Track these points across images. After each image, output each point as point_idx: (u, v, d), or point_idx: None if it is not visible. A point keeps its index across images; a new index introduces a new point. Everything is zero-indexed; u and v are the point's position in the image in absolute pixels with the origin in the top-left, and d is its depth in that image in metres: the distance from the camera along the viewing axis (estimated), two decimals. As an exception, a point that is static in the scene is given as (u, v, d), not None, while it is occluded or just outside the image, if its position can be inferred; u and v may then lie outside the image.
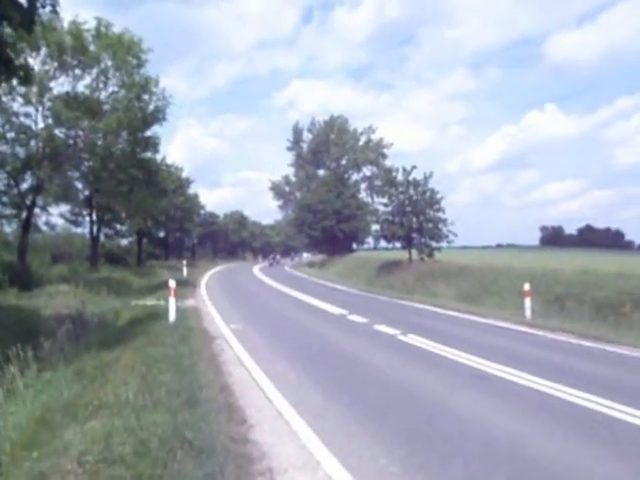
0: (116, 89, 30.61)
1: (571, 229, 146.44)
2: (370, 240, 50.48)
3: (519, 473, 5.06)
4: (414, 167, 30.96)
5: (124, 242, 53.85)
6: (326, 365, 9.84)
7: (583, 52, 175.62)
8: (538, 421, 6.59)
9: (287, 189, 74.42)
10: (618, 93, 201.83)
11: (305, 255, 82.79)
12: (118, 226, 46.84)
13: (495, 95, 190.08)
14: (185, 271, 40.40)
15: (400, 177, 31.32)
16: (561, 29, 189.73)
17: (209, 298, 22.62)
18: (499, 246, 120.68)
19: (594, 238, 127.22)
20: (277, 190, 75.10)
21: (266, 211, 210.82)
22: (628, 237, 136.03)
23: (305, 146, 70.02)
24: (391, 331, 13.52)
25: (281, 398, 7.49)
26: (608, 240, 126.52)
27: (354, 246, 58.73)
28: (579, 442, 5.87)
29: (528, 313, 16.21)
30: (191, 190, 63.21)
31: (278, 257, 73.91)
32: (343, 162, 66.83)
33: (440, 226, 29.83)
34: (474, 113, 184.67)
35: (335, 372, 9.26)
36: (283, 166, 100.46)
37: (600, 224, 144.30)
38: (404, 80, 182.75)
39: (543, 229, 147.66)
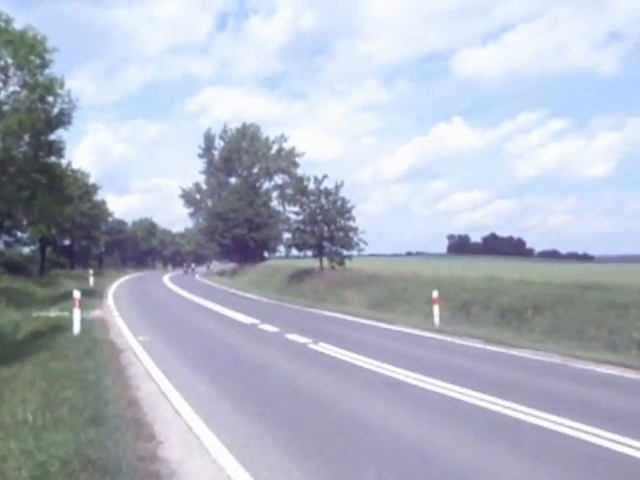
0: (17, 89, 28.93)
1: (476, 237, 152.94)
2: (282, 248, 50.45)
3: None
4: (325, 176, 31.32)
5: (26, 250, 51.08)
6: (237, 376, 9.67)
7: (488, 68, 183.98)
8: (448, 426, 6.71)
9: (198, 197, 73.14)
10: (520, 109, 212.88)
11: (215, 263, 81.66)
12: (19, 233, 44.33)
13: (406, 107, 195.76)
14: (92, 280, 38.83)
15: (312, 186, 31.54)
16: (467, 46, 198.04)
17: (117, 309, 21.82)
18: (409, 254, 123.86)
19: (498, 246, 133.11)
20: (188, 198, 73.66)
21: (176, 219, 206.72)
22: (529, 245, 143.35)
23: (217, 153, 69.12)
24: (302, 340, 13.47)
25: (191, 411, 7.27)
26: (511, 248, 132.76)
27: (266, 254, 58.53)
28: (487, 445, 6.01)
29: (437, 320, 16.57)
30: (98, 196, 60.79)
31: (193, 265, 72.56)
32: (255, 170, 66.44)
33: (351, 235, 30.30)
34: (385, 124, 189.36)
35: (246, 383, 9.11)
36: (194, 173, 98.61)
37: (503, 233, 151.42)
38: (317, 90, 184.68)
39: (450, 237, 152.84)
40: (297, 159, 66.68)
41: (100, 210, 62.31)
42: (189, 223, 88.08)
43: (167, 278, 51.75)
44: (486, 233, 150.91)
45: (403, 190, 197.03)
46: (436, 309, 16.72)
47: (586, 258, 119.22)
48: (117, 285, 39.99)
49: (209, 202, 68.56)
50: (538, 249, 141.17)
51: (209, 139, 69.64)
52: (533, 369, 10.48)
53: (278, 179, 66.76)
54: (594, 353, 11.73)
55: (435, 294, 16.89)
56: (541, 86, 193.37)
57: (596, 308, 13.71)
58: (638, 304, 12.99)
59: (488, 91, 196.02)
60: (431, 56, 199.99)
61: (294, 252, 34.15)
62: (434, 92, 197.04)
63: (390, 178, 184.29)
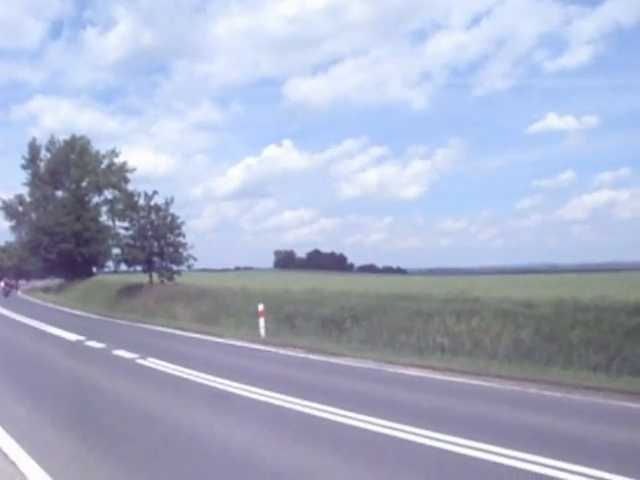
0: None
1: (301, 253, 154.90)
2: (111, 264, 48.00)
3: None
4: (156, 192, 30.57)
5: None
6: (61, 396, 8.98)
7: (317, 97, 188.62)
8: (272, 432, 6.79)
9: (21, 209, 67.31)
10: (345, 135, 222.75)
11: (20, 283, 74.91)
12: None
13: (238, 128, 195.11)
14: None
15: (142, 202, 30.59)
16: (299, 75, 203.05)
17: None
18: (237, 269, 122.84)
19: (321, 261, 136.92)
20: (9, 210, 67.40)
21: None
22: (350, 260, 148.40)
23: (42, 165, 64.15)
24: (130, 355, 12.98)
25: (7, 437, 6.55)
26: (333, 263, 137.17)
27: (94, 270, 55.33)
28: (307, 447, 6.16)
29: (262, 331, 16.73)
30: None
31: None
32: (84, 184, 62.55)
33: (180, 250, 29.90)
34: (218, 144, 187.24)
35: (70, 403, 8.49)
36: (17, 185, 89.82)
37: (327, 249, 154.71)
38: (153, 107, 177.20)
39: (277, 253, 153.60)
40: (128, 174, 63.75)
41: None
42: (11, 237, 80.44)
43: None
44: (310, 249, 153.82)
45: (233, 207, 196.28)
46: (262, 321, 16.88)
47: (400, 271, 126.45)
48: None
49: (33, 215, 63.37)
50: (358, 264, 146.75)
51: (34, 150, 64.38)
52: (350, 375, 11.05)
53: (108, 194, 63.46)
54: (404, 358, 12.55)
55: (260, 307, 17.06)
56: (363, 116, 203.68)
57: (406, 316, 14.58)
58: (440, 312, 14.01)
59: (316, 117, 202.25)
60: (264, 81, 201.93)
61: (123, 267, 32.83)
62: (266, 115, 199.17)
63: (221, 196, 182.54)
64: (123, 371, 11.30)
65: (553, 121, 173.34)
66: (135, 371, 11.29)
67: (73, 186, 62.26)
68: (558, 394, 9.07)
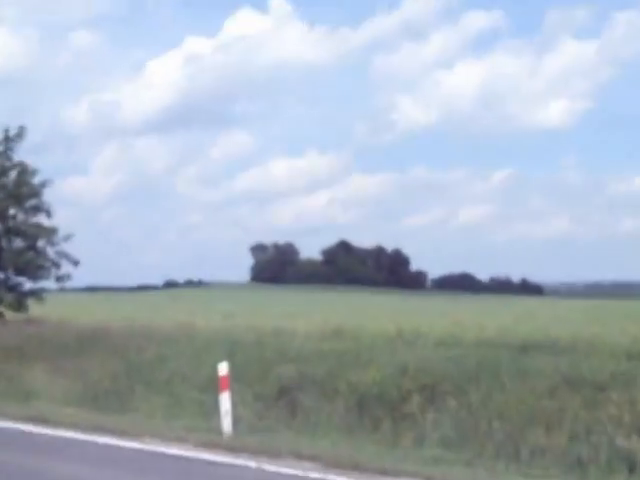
0: None
1: (310, 250, 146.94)
2: None
3: None
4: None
5: None
6: None
7: None
8: None
9: None
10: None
11: None
12: None
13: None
14: None
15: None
16: None
17: None
18: (169, 285, 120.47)
19: (354, 266, 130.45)
20: None
21: None
22: (415, 265, 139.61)
23: None
24: None
25: None
26: (378, 270, 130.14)
27: None
28: None
29: (227, 423, 14.86)
30: None
31: None
32: None
33: (40, 246, 28.16)
34: (124, 7, 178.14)
35: None
36: None
37: (365, 240, 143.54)
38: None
39: (257, 250, 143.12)
40: None
41: None
42: None
43: None
44: (331, 241, 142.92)
45: (161, 149, 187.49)
46: (225, 400, 14.96)
47: (527, 289, 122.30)
48: None
49: None
50: (434, 273, 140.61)
51: None
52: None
53: None
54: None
55: (223, 370, 15.17)
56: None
57: (546, 390, 13.53)
58: (624, 381, 13.08)
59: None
60: None
61: None
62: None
63: (134, 123, 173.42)
64: None
65: None
66: None
67: None
68: None
